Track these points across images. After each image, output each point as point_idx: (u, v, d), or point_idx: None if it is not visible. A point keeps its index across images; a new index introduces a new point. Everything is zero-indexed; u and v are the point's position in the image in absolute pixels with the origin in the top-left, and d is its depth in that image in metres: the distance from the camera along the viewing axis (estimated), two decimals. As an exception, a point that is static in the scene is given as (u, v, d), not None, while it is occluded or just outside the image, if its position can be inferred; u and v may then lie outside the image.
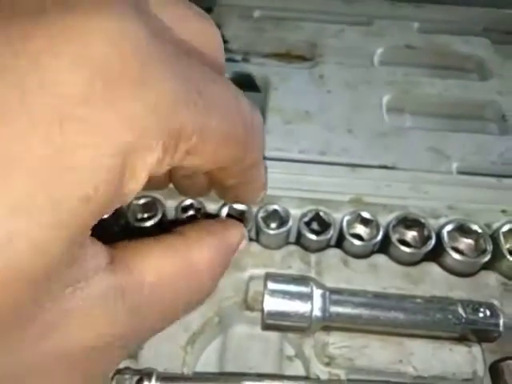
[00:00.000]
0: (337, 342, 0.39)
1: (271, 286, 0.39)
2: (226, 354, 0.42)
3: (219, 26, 0.68)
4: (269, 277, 0.40)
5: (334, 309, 0.39)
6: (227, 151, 0.27)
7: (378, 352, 0.39)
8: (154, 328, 0.31)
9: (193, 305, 0.32)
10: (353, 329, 0.40)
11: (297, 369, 0.41)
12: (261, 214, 0.44)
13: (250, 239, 0.46)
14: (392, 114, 0.58)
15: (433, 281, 0.42)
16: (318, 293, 0.39)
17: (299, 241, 0.46)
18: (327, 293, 0.39)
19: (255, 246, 0.45)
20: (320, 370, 0.39)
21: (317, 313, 0.38)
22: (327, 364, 0.39)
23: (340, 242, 0.45)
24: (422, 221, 0.43)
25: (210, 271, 0.30)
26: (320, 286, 0.40)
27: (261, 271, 0.43)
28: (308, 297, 0.39)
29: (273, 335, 0.43)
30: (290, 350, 0.42)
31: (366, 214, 0.44)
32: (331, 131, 0.56)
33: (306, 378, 0.40)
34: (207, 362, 0.42)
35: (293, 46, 0.68)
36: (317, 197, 0.47)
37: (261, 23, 0.69)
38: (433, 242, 0.42)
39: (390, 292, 0.41)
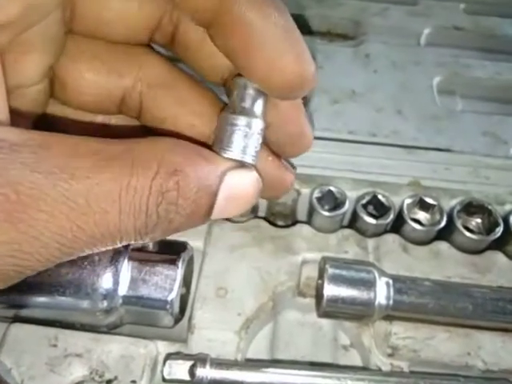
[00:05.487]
0: (400, 333, 0.37)
1: (331, 271, 0.37)
2: (277, 341, 0.40)
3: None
4: (328, 261, 0.37)
5: (398, 297, 0.36)
6: None
7: (444, 344, 0.36)
8: None
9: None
10: (416, 319, 0.37)
11: (352, 359, 0.39)
12: (315, 195, 0.42)
13: (302, 222, 0.43)
14: (443, 97, 0.56)
15: (499, 270, 0.39)
16: (381, 280, 0.36)
17: (354, 224, 0.43)
18: (391, 280, 0.37)
19: (308, 229, 0.42)
20: (381, 361, 0.37)
21: (381, 301, 0.36)
22: (390, 355, 0.36)
23: (398, 227, 0.42)
24: (489, 207, 0.41)
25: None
26: (382, 272, 0.38)
27: (315, 256, 0.40)
28: (371, 284, 0.36)
29: (326, 323, 0.40)
30: (344, 339, 0.40)
31: (428, 199, 0.41)
32: (380, 112, 0.53)
33: (365, 368, 0.38)
34: (258, 348, 0.40)
35: (335, 24, 0.65)
36: (372, 179, 0.44)
37: (302, 0, 0.66)
38: (501, 229, 0.40)
39: (455, 281, 0.39)
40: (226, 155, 0.25)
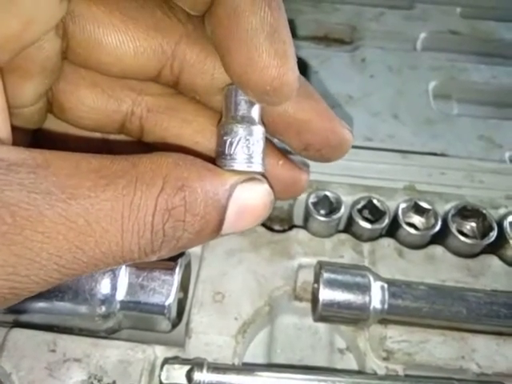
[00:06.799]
0: (395, 336, 0.37)
1: (327, 275, 0.37)
2: (274, 345, 0.40)
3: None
4: (323, 266, 0.38)
5: (393, 301, 0.37)
6: None
7: (438, 347, 0.37)
8: None
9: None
10: (411, 322, 0.38)
11: (348, 362, 0.39)
12: (311, 200, 0.42)
13: (298, 226, 0.44)
14: (439, 101, 0.56)
15: (494, 274, 0.40)
16: (376, 284, 0.37)
17: (349, 229, 0.43)
18: (386, 284, 0.37)
19: (304, 234, 0.43)
20: (377, 365, 0.37)
21: (376, 305, 0.36)
22: (385, 359, 0.37)
23: (393, 232, 0.43)
24: (483, 211, 0.41)
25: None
26: (377, 276, 0.38)
27: (311, 260, 0.41)
28: (366, 288, 0.37)
29: (322, 327, 0.41)
30: (341, 343, 0.40)
31: (423, 203, 0.42)
32: (376, 116, 0.54)
33: (360, 372, 0.38)
34: (255, 353, 0.40)
35: (331, 28, 0.65)
36: (368, 183, 0.45)
37: (298, 5, 0.67)
38: (495, 233, 0.40)
39: (450, 285, 0.39)
40: (232, 167, 0.24)
